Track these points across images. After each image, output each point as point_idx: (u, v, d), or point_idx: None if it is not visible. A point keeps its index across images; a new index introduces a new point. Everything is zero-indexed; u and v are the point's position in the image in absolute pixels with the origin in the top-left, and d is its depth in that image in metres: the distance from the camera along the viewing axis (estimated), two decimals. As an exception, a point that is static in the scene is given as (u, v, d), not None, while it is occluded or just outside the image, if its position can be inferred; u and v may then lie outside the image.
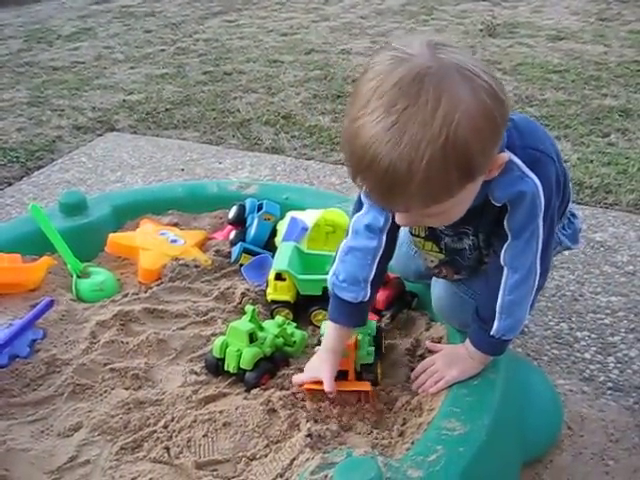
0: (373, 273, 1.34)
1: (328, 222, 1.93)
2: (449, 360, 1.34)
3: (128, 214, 2.03)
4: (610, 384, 1.66)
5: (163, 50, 4.98)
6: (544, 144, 1.20)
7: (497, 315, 1.27)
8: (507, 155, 1.09)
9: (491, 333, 1.29)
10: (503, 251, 1.23)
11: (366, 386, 1.37)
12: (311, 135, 3.26)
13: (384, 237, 1.32)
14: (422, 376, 1.37)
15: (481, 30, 5.00)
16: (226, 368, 1.45)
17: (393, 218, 1.22)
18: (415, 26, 5.27)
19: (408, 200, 1.00)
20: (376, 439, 1.27)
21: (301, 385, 1.37)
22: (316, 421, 1.29)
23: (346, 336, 1.38)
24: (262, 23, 5.70)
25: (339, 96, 3.76)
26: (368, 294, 1.35)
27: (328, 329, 1.38)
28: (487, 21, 5.10)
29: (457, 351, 1.37)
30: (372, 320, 1.50)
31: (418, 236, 1.36)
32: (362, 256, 1.33)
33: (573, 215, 1.51)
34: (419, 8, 5.93)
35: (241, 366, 1.43)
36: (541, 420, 1.41)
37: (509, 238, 1.22)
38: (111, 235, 1.91)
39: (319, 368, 1.35)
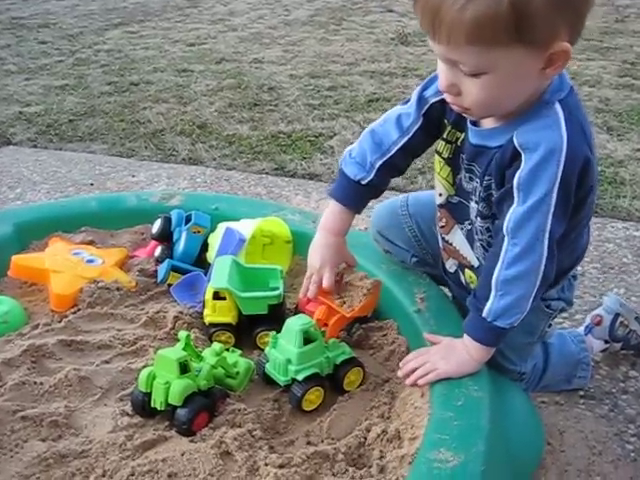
0: (383, 161, 1.34)
1: (265, 233, 1.74)
2: (444, 353, 1.22)
3: (34, 233, 1.77)
4: (581, 392, 1.55)
5: (61, 61, 4.67)
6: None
7: (492, 292, 1.14)
8: (570, 48, 1.02)
9: (483, 314, 1.16)
10: (507, 217, 1.13)
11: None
12: (230, 144, 3.06)
13: (405, 138, 1.33)
14: (411, 364, 1.25)
15: (393, 39, 4.99)
16: (152, 405, 1.22)
17: (419, 129, 1.31)
18: (326, 36, 5.18)
19: (453, 25, 0.98)
20: (353, 478, 1.08)
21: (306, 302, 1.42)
22: (282, 466, 1.09)
23: (340, 216, 1.38)
24: (166, 34, 5.48)
25: (256, 104, 3.59)
26: (369, 178, 1.35)
27: (327, 208, 1.40)
28: (398, 30, 5.10)
29: (454, 344, 1.23)
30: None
31: (441, 154, 1.33)
32: (378, 140, 1.35)
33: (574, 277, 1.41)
34: (327, 19, 5.87)
35: (169, 401, 1.20)
36: (526, 438, 1.27)
37: (514, 202, 1.11)
38: (15, 257, 1.66)
39: (315, 257, 1.38)
